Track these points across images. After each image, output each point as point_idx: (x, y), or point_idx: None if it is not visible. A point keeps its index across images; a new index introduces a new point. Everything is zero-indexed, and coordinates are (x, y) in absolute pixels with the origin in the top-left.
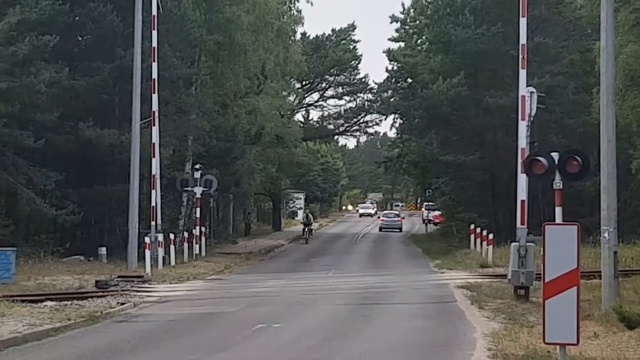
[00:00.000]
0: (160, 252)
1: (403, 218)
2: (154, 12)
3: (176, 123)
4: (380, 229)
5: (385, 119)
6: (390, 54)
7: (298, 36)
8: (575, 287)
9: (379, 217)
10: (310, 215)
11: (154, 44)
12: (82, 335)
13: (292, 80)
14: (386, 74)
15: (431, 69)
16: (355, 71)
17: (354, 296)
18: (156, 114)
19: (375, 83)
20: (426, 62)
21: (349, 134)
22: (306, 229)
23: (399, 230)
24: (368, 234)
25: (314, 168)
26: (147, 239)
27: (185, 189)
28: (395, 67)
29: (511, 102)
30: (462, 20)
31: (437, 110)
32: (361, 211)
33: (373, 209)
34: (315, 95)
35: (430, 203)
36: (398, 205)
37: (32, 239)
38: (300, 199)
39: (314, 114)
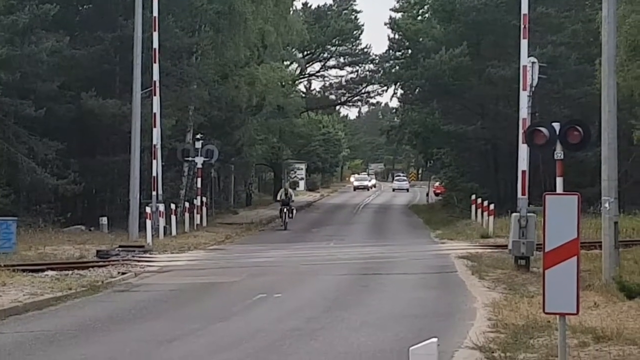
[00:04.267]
0: (162, 222)
1: (409, 182)
2: None
3: (177, 93)
4: (393, 190)
5: (387, 89)
6: (393, 23)
7: (299, 5)
8: (575, 256)
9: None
10: (290, 190)
11: (155, 13)
12: (83, 304)
13: (293, 49)
14: (388, 44)
15: (434, 38)
16: (357, 41)
17: (355, 266)
18: (157, 84)
19: (376, 56)
20: (429, 31)
21: (350, 104)
22: (285, 210)
23: (406, 190)
24: (369, 205)
25: (316, 138)
26: (148, 209)
27: (187, 159)
28: (397, 36)
29: (513, 72)
30: None
31: (439, 80)
32: (356, 183)
33: (370, 180)
34: (317, 66)
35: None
36: (399, 176)
37: (33, 208)
38: (302, 169)
39: (316, 84)
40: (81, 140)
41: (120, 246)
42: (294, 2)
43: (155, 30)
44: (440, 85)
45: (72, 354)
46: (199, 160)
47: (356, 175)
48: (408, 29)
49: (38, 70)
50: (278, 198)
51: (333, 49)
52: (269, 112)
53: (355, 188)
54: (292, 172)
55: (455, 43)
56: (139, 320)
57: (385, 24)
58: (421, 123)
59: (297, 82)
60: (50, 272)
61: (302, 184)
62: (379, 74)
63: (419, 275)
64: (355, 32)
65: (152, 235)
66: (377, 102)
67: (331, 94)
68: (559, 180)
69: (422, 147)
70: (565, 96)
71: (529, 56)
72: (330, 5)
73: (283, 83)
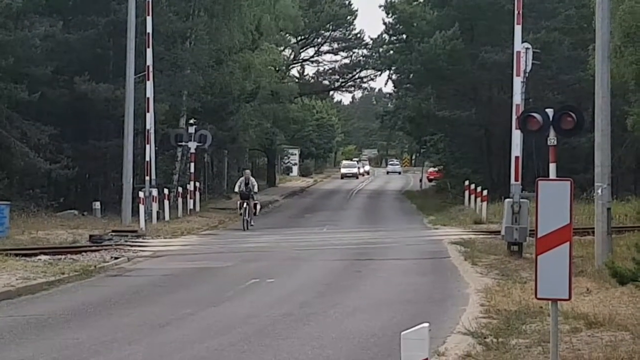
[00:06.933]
0: (155, 207)
1: (402, 167)
2: None
3: (171, 78)
4: (387, 173)
5: (381, 74)
6: (388, 5)
7: None
8: (567, 242)
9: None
10: (252, 180)
11: None
12: (76, 289)
13: (287, 35)
14: (382, 28)
15: (428, 22)
16: (351, 27)
17: (348, 252)
18: (150, 69)
19: (371, 38)
20: (423, 15)
21: (344, 89)
22: (245, 205)
23: (399, 173)
24: (363, 190)
25: (309, 124)
26: (141, 194)
27: (180, 144)
28: (392, 20)
29: (507, 57)
30: None
31: (433, 64)
32: (343, 170)
33: (362, 167)
34: (311, 51)
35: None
36: (393, 161)
37: (27, 193)
38: (295, 154)
39: (310, 70)
40: (74, 124)
41: (113, 231)
42: None
43: (149, 15)
44: (434, 70)
45: (65, 338)
46: (192, 145)
47: (345, 162)
48: (403, 11)
49: (31, 55)
50: (236, 189)
51: (327, 34)
52: (262, 97)
53: (343, 176)
54: (285, 157)
55: (449, 28)
56: (131, 304)
57: (380, 6)
58: (415, 108)
59: (290, 67)
60: (43, 257)
61: (295, 169)
62: (373, 59)
63: (412, 260)
64: (349, 17)
65: (145, 220)
66: (371, 88)
67: (325, 79)
68: (552, 166)
69: (416, 133)
70: (558, 82)
71: (522, 42)
72: None
73: (277, 68)
